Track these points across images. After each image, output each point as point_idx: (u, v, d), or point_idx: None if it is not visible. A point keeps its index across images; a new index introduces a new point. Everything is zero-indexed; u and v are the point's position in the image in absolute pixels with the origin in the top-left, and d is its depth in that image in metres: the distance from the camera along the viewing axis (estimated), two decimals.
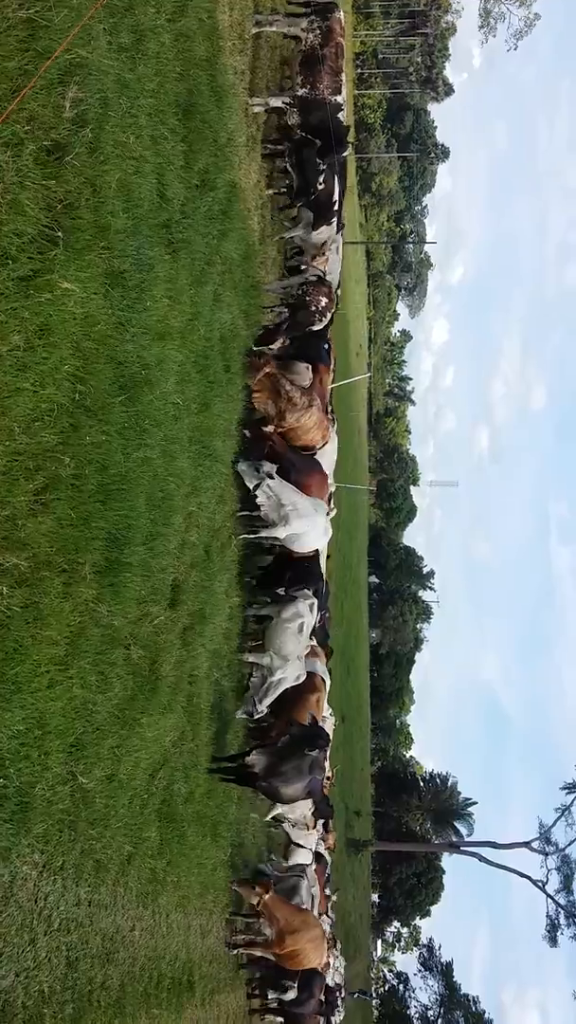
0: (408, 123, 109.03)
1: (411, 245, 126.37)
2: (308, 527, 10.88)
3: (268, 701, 10.54)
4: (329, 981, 15.52)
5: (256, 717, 10.63)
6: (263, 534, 10.83)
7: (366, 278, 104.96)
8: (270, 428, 10.49)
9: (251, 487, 10.21)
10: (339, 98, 11.62)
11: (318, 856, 16.35)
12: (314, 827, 14.13)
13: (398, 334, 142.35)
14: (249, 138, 11.50)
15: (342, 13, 11.77)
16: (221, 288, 9.63)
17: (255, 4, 11.56)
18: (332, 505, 12.85)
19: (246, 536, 10.78)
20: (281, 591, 11.20)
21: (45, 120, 5.14)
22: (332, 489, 12.72)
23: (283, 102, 11.79)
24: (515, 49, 76.63)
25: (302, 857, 14.31)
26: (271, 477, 10.27)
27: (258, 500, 10.34)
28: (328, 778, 17.29)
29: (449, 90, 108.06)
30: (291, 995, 11.27)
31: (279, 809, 11.76)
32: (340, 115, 11.92)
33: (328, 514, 11.80)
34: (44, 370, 5.06)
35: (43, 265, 5.02)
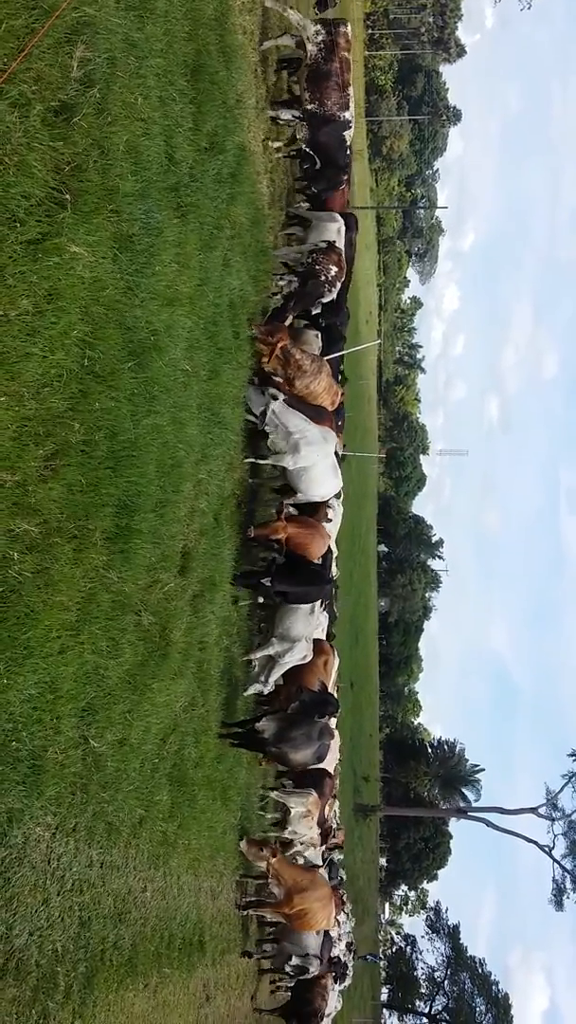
0: (419, 85, 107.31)
1: (422, 210, 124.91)
2: (318, 458, 10.53)
3: (274, 678, 10.60)
4: (338, 950, 15.68)
5: (266, 693, 10.70)
6: (271, 461, 10.56)
7: (376, 244, 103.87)
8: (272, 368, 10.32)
9: (257, 412, 10.06)
10: (347, 114, 11.50)
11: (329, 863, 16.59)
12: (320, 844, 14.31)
13: (408, 301, 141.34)
14: (259, 99, 11.33)
15: (349, 27, 11.57)
16: (230, 253, 9.54)
17: None
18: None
19: (254, 460, 10.55)
20: (267, 581, 10.55)
21: (52, 80, 5.06)
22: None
23: (292, 115, 11.77)
24: (529, 8, 74.45)
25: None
26: (275, 399, 10.07)
27: (266, 428, 10.15)
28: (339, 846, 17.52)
29: (461, 51, 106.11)
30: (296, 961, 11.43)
31: (288, 830, 11.93)
32: (348, 132, 11.87)
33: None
34: (53, 335, 5.03)
35: (51, 228, 4.97)
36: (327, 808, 14.01)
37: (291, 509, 11.00)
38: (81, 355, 5.42)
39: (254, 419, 10.27)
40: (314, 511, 11.56)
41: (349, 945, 18.00)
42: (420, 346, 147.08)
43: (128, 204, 6.18)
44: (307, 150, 12.10)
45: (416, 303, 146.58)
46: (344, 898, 18.31)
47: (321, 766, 11.78)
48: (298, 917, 10.63)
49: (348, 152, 12.33)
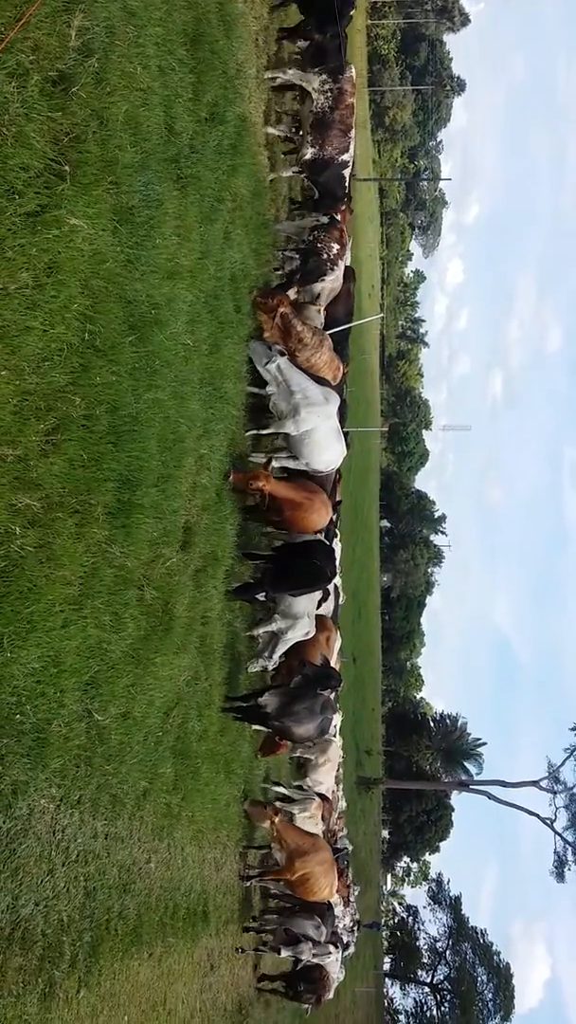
0: (423, 54, 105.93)
1: (425, 182, 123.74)
2: (319, 420, 10.25)
3: (278, 654, 10.62)
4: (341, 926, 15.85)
5: (271, 669, 10.72)
6: (272, 429, 10.36)
7: (379, 216, 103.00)
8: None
9: (260, 366, 9.90)
10: (347, 156, 11.80)
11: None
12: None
13: (411, 274, 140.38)
14: (259, 69, 11.19)
15: (353, 71, 11.68)
16: (231, 226, 9.46)
17: None
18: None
19: (257, 431, 10.39)
20: (262, 596, 10.30)
21: (50, 50, 5.01)
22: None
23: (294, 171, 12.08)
24: None
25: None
26: (282, 355, 9.93)
27: (268, 389, 9.98)
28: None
29: (465, 20, 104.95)
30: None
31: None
32: (347, 171, 12.15)
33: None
34: (53, 308, 5.00)
35: (50, 200, 4.93)
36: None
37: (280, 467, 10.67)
38: (81, 329, 5.40)
39: (257, 390, 10.19)
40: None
41: (352, 930, 18.18)
42: (423, 320, 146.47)
43: (128, 176, 6.13)
44: (306, 182, 12.44)
45: (419, 277, 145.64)
46: (350, 883, 18.55)
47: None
48: (301, 883, 10.70)
49: (347, 185, 12.59)
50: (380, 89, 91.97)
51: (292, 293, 11.25)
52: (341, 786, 18.76)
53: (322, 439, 10.46)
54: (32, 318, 4.82)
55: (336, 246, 11.93)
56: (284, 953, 11.45)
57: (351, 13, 12.10)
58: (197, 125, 8.00)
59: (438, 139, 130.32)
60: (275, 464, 10.50)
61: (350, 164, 12.01)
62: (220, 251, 8.96)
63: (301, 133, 11.93)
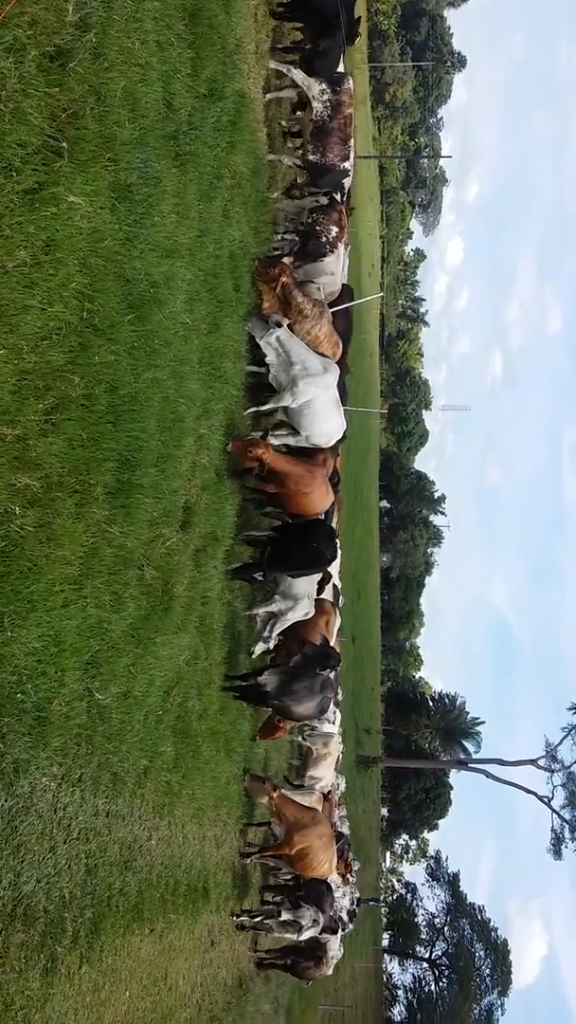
0: (423, 30, 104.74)
1: (426, 159, 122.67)
2: (318, 391, 10.11)
3: (276, 633, 10.63)
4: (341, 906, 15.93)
5: (271, 647, 10.73)
6: (271, 404, 10.20)
7: (379, 194, 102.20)
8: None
9: (260, 339, 9.82)
10: (347, 164, 11.95)
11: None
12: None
13: (412, 253, 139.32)
14: (258, 44, 11.07)
15: (352, 82, 11.98)
16: (230, 203, 9.39)
17: None
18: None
19: (256, 409, 10.27)
20: (259, 575, 10.24)
21: (47, 24, 4.95)
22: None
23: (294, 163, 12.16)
24: None
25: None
26: (279, 326, 9.83)
27: (267, 359, 9.85)
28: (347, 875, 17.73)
29: None
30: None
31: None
32: (347, 180, 12.29)
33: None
34: (51, 287, 4.98)
35: (48, 177, 4.89)
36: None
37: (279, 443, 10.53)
38: (80, 308, 5.37)
39: (256, 368, 10.11)
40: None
41: (351, 913, 18.30)
42: (423, 299, 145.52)
43: (126, 152, 6.08)
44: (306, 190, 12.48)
45: (419, 255, 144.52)
46: (350, 862, 18.64)
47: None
48: (300, 858, 10.77)
49: (346, 194, 12.72)
50: (380, 65, 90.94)
51: (288, 259, 11.18)
52: (340, 764, 18.86)
53: (321, 409, 10.33)
54: (30, 297, 4.79)
55: (335, 228, 11.87)
56: (281, 929, 11.47)
57: (358, 31, 12.47)
58: (196, 101, 7.92)
59: (438, 116, 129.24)
60: (275, 442, 10.46)
61: (350, 173, 12.16)
62: (219, 229, 8.90)
63: (302, 142, 12.12)
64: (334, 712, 15.81)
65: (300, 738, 15.00)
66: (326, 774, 14.76)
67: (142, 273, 6.47)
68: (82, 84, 5.33)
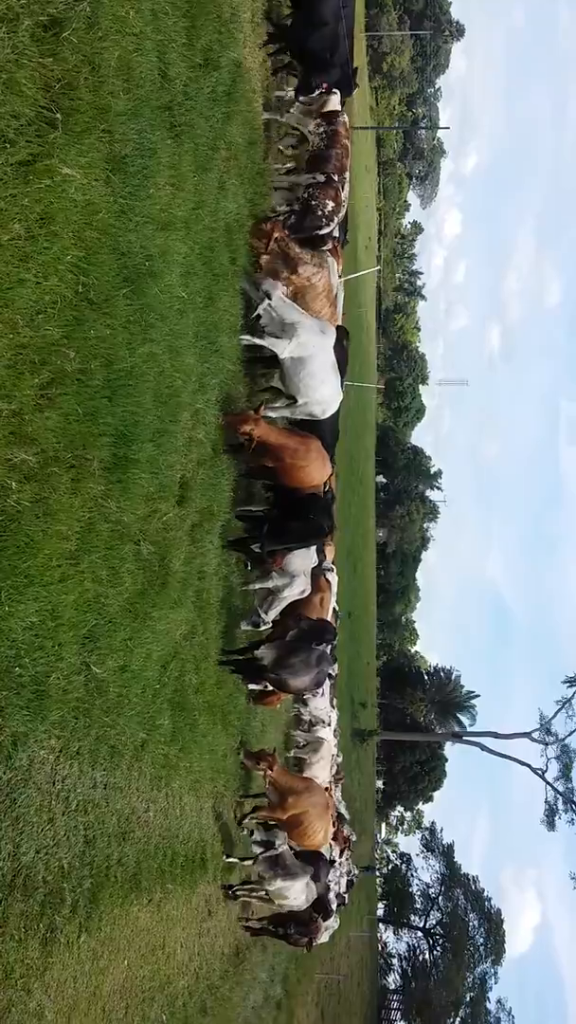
0: None
1: (423, 130, 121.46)
2: (316, 349, 9.90)
3: (273, 614, 10.64)
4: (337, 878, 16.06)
5: (262, 628, 10.71)
6: (266, 341, 9.83)
7: (376, 166, 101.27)
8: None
9: (255, 299, 9.66)
10: (342, 194, 12.09)
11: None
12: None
13: (409, 226, 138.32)
14: (254, 13, 10.92)
15: (346, 117, 12.37)
16: (226, 175, 9.30)
17: None
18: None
19: (249, 340, 9.90)
20: (256, 548, 10.17)
21: None
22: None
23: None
24: None
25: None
26: (269, 297, 9.58)
27: (262, 321, 9.65)
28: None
29: None
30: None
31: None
32: (341, 210, 12.37)
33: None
34: (46, 260, 4.94)
35: (42, 149, 4.85)
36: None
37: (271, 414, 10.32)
38: (75, 281, 5.34)
39: (249, 339, 9.94)
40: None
41: (349, 883, 18.47)
42: (420, 273, 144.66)
43: (120, 124, 6.01)
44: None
45: (416, 228, 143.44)
46: (349, 837, 18.80)
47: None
48: (295, 825, 10.80)
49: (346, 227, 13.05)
50: (377, 34, 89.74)
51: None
52: (337, 737, 18.96)
53: (318, 370, 10.10)
54: (25, 270, 4.76)
55: (331, 203, 11.86)
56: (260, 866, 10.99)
57: (356, 82, 12.92)
58: (191, 71, 7.83)
59: (436, 86, 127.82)
60: (272, 414, 10.39)
61: (345, 204, 12.31)
62: (215, 201, 8.83)
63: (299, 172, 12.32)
64: (330, 714, 15.98)
65: (292, 752, 15.19)
66: (320, 773, 14.86)
67: (137, 246, 6.43)
68: (76, 54, 5.26)
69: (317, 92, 11.87)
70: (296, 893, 11.05)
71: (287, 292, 10.05)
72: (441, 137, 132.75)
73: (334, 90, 12.06)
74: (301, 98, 11.90)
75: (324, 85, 11.83)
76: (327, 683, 14.79)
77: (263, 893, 10.99)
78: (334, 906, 13.64)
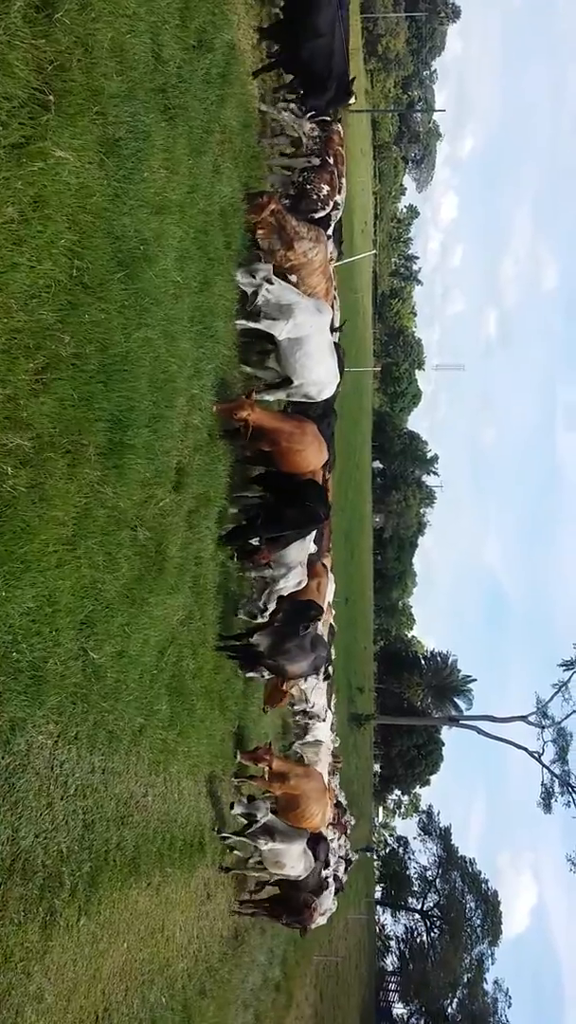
0: None
1: (419, 113, 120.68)
2: (312, 330, 9.84)
3: (271, 607, 10.63)
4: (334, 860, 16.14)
5: (258, 621, 10.64)
6: (263, 324, 9.77)
7: (372, 150, 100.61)
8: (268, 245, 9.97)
9: (248, 288, 9.57)
10: (339, 198, 12.30)
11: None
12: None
13: (405, 210, 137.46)
14: None
15: (341, 126, 12.67)
16: (220, 158, 9.24)
17: None
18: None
19: (244, 323, 9.83)
20: (255, 541, 10.13)
21: None
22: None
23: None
24: None
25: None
26: (269, 283, 9.54)
27: (258, 301, 9.54)
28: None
29: None
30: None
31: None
32: (337, 212, 12.63)
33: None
34: (40, 244, 4.91)
35: (35, 131, 4.80)
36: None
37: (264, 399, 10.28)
38: (69, 265, 5.31)
39: (244, 322, 9.88)
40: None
41: (347, 865, 18.59)
42: (417, 257, 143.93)
43: (114, 106, 5.97)
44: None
45: (412, 212, 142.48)
46: (347, 820, 18.95)
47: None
48: (292, 807, 10.79)
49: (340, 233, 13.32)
50: (373, 16, 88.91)
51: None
52: (335, 722, 19.06)
53: (314, 351, 10.07)
54: (19, 254, 4.73)
55: (326, 187, 11.86)
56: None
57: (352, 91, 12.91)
58: (185, 53, 7.76)
59: (432, 68, 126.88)
60: (269, 398, 10.35)
61: (340, 207, 12.48)
62: (209, 185, 8.77)
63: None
64: (328, 712, 16.04)
65: (293, 719, 15.22)
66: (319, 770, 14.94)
67: (132, 230, 6.39)
68: (69, 35, 5.21)
69: (307, 116, 12.08)
70: (293, 859, 10.79)
71: (287, 268, 10.06)
72: (437, 120, 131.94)
73: (326, 119, 12.37)
74: (295, 108, 12.08)
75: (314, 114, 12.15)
76: (327, 683, 14.88)
77: (256, 860, 10.74)
78: (333, 889, 13.71)
